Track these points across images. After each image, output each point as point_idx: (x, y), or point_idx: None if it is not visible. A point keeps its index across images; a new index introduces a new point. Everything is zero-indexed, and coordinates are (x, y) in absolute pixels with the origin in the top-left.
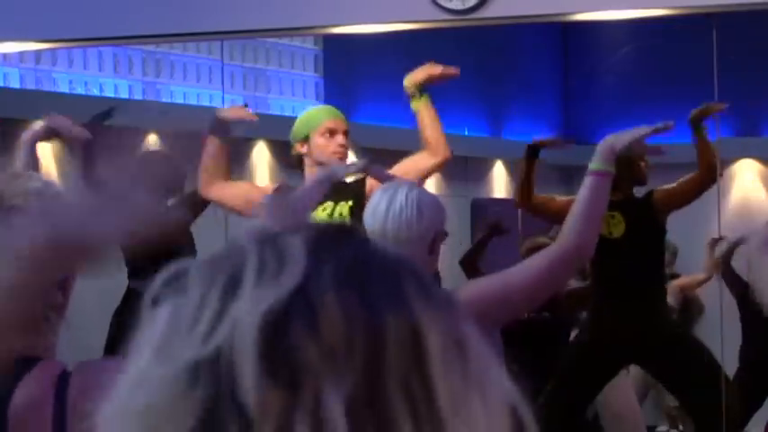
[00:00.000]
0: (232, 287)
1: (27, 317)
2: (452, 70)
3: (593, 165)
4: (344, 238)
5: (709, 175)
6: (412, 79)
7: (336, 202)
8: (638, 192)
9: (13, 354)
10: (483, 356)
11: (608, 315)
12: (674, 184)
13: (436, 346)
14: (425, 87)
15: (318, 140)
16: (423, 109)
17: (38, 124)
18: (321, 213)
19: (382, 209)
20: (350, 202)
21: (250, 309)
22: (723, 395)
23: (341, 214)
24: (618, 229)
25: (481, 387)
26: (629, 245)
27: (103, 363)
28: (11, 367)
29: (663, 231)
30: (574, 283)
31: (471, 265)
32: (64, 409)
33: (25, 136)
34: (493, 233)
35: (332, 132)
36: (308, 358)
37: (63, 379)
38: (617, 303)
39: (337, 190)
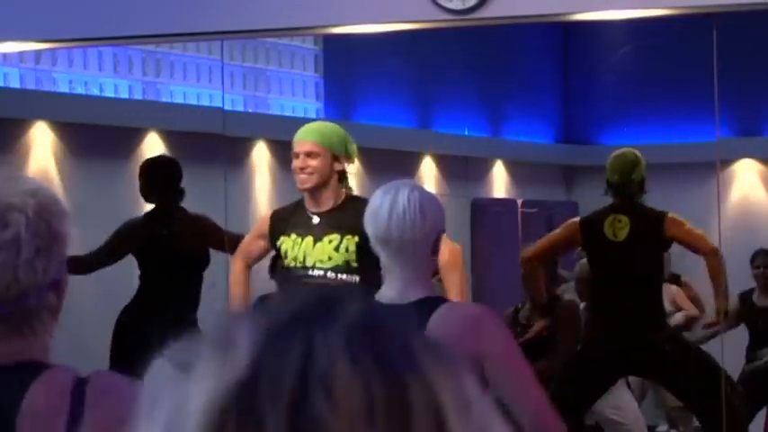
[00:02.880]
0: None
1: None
2: None
3: None
4: (346, 300)
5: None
6: None
7: (342, 235)
8: (647, 196)
9: (12, 357)
10: (486, 412)
11: (607, 319)
12: (688, 227)
13: (453, 407)
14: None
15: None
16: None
17: None
18: (327, 246)
19: (385, 211)
20: (356, 238)
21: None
22: (723, 397)
23: (347, 249)
24: (623, 233)
25: None
26: (631, 248)
27: (119, 380)
28: (13, 371)
29: (666, 244)
30: (560, 272)
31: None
32: (78, 421)
33: None
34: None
35: (296, 155)
36: (331, 430)
37: (78, 389)
38: (617, 306)
39: (341, 216)
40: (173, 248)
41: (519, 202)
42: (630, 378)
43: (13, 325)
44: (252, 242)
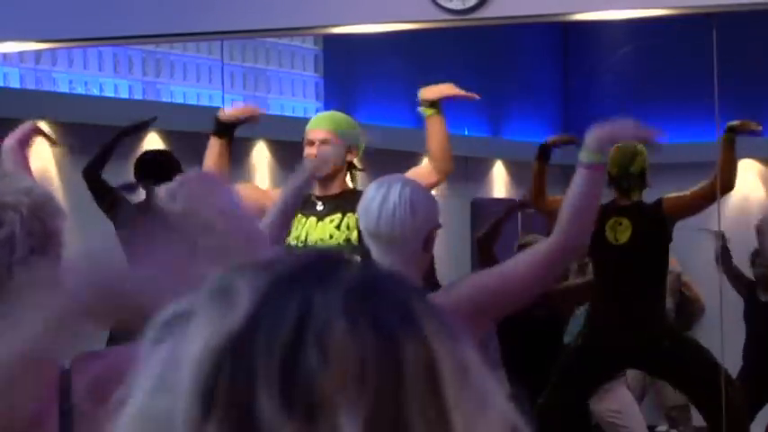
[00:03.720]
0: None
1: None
2: (471, 94)
3: (585, 157)
4: (347, 262)
5: (724, 189)
6: (427, 94)
7: (344, 214)
8: (649, 193)
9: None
10: (485, 379)
11: (608, 321)
12: (686, 193)
13: (449, 370)
14: (439, 102)
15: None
16: (432, 123)
17: (20, 129)
18: (329, 225)
19: (375, 206)
20: (357, 215)
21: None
22: (723, 395)
23: (348, 226)
24: (624, 236)
25: (485, 410)
26: (633, 251)
27: (102, 356)
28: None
29: (669, 239)
30: (572, 279)
31: (486, 247)
32: (70, 412)
33: (7, 142)
34: (513, 210)
35: (310, 143)
36: (323, 388)
37: (64, 380)
38: (617, 309)
39: (344, 201)
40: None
41: (519, 202)
42: (630, 378)
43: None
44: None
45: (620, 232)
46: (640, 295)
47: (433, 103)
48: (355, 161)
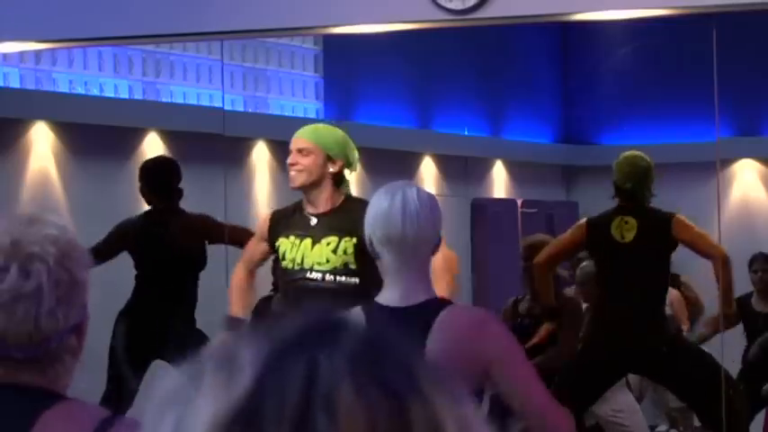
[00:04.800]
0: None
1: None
2: None
3: None
4: (347, 324)
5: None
6: None
7: (341, 238)
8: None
9: (27, 380)
10: None
11: (611, 318)
12: (696, 235)
13: (453, 430)
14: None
15: None
16: None
17: None
18: (325, 248)
19: (397, 212)
20: (354, 240)
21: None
22: (723, 396)
23: (345, 251)
24: (630, 235)
25: None
26: (638, 250)
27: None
28: (27, 394)
29: (673, 245)
30: (561, 272)
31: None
32: None
33: None
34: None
35: (290, 152)
36: None
37: (105, 425)
38: (620, 306)
39: (339, 219)
40: (168, 249)
41: (519, 202)
42: (630, 378)
43: (35, 368)
44: (254, 246)
45: (626, 231)
46: (644, 294)
47: None
48: (347, 174)
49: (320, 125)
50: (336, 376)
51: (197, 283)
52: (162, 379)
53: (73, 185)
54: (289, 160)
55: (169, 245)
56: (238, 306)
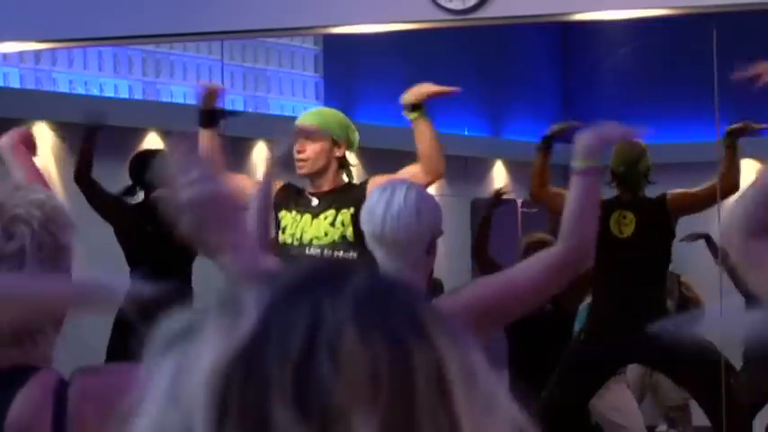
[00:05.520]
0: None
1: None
2: (450, 89)
3: (578, 164)
4: (353, 271)
5: (728, 191)
6: (407, 98)
7: (338, 210)
8: (651, 191)
9: (7, 362)
10: (492, 383)
11: (610, 313)
12: (691, 190)
13: (458, 377)
14: (422, 103)
15: None
16: (418, 125)
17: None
18: (323, 222)
19: (380, 211)
20: (351, 210)
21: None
22: (723, 385)
23: (342, 222)
24: (628, 229)
25: (492, 414)
26: (637, 245)
27: (101, 370)
28: (4, 377)
29: (672, 235)
30: None
31: (480, 248)
32: (63, 418)
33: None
34: (495, 206)
35: (295, 136)
36: (337, 397)
37: (61, 388)
38: (619, 302)
39: (338, 197)
40: (158, 246)
41: (519, 202)
42: (630, 378)
43: (15, 336)
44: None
45: (625, 225)
46: (643, 289)
47: (415, 106)
48: (350, 157)
49: (322, 108)
50: (340, 322)
51: (190, 278)
52: (161, 327)
53: (73, 185)
54: (296, 146)
55: (158, 242)
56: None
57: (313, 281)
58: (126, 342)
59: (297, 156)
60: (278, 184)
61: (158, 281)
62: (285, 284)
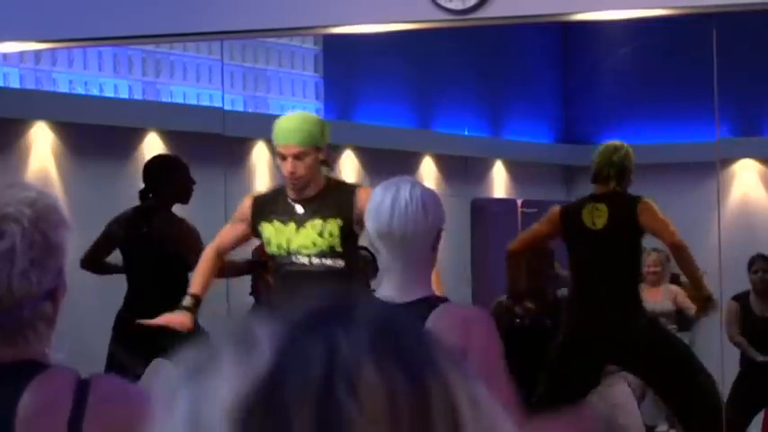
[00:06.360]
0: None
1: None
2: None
3: None
4: (361, 302)
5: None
6: None
7: (325, 220)
8: (645, 192)
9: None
10: (494, 410)
11: (584, 307)
12: (657, 221)
13: (467, 408)
14: None
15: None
16: None
17: None
18: (310, 231)
19: (387, 207)
20: (338, 220)
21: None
22: (694, 385)
23: (330, 233)
24: (601, 221)
25: None
26: (609, 236)
27: (121, 385)
28: (8, 371)
29: (641, 231)
30: (561, 272)
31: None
32: (82, 414)
33: None
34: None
35: (282, 157)
36: (357, 430)
37: (81, 390)
38: (592, 294)
39: (324, 204)
40: (153, 247)
41: (519, 202)
42: (630, 378)
43: (6, 335)
44: (229, 229)
45: (597, 217)
46: (616, 280)
47: None
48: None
49: (300, 121)
50: (357, 352)
51: (188, 281)
52: (171, 364)
53: (73, 185)
54: (287, 167)
55: (153, 244)
56: (196, 287)
57: (324, 313)
58: (126, 342)
59: (290, 177)
60: (246, 202)
61: (156, 282)
62: (296, 319)
